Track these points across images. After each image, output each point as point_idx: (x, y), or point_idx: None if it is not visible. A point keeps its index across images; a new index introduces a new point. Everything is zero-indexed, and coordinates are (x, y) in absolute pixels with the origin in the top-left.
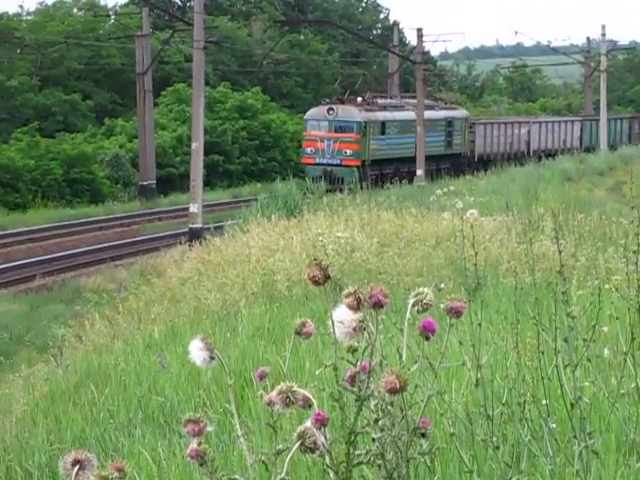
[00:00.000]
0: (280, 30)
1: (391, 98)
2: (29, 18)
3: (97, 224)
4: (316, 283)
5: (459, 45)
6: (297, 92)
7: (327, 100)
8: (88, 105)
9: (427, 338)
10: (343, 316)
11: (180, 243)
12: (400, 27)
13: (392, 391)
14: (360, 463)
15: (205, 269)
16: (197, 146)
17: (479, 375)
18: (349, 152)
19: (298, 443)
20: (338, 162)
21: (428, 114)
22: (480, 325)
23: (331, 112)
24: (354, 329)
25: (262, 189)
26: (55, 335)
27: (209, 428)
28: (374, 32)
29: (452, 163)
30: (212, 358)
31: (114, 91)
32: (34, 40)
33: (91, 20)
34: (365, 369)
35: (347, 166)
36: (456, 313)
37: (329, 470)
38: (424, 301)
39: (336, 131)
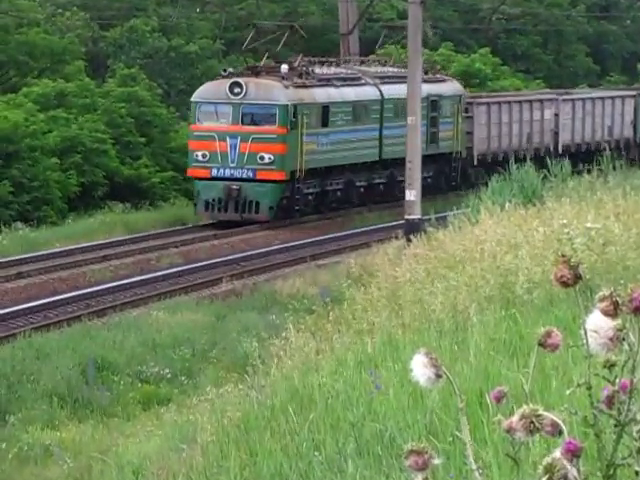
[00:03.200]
0: None
1: (337, 64)
2: None
3: None
4: (564, 284)
5: None
6: (535, 53)
7: (229, 71)
8: None
9: None
10: (597, 324)
11: (395, 237)
12: None
13: None
14: None
15: (427, 268)
16: (413, 121)
17: None
18: (268, 158)
19: (545, 478)
20: (250, 175)
21: (394, 89)
22: None
23: (237, 90)
24: (611, 339)
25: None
26: (246, 350)
27: (436, 461)
28: None
29: (437, 170)
30: (438, 376)
31: (313, 56)
32: None
33: None
34: (625, 388)
35: (265, 181)
36: None
37: None
38: None
39: (246, 122)
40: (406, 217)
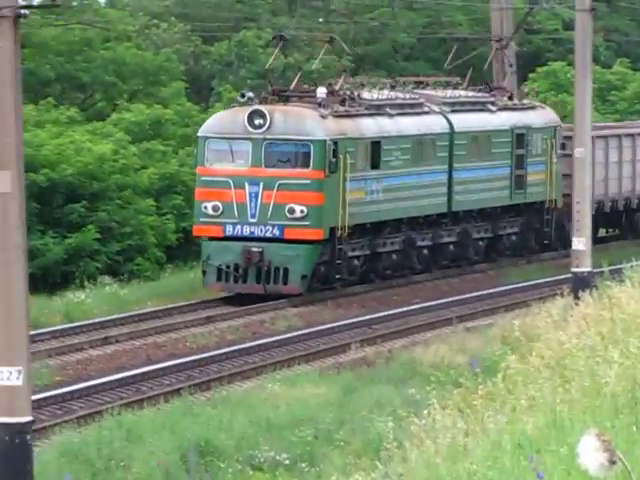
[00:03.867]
0: None
1: (392, 87)
2: None
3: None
4: None
5: None
6: None
7: (249, 95)
8: None
9: None
10: None
11: (560, 295)
12: None
13: None
14: None
15: (601, 332)
16: (583, 153)
17: None
18: (300, 210)
19: None
20: (276, 234)
21: (468, 120)
22: None
23: (259, 121)
24: None
25: None
26: (380, 431)
27: None
28: None
29: (525, 225)
30: (612, 462)
31: (458, 72)
32: (344, 4)
33: None
34: None
35: (296, 242)
36: None
37: None
38: None
39: (271, 164)
40: (573, 270)
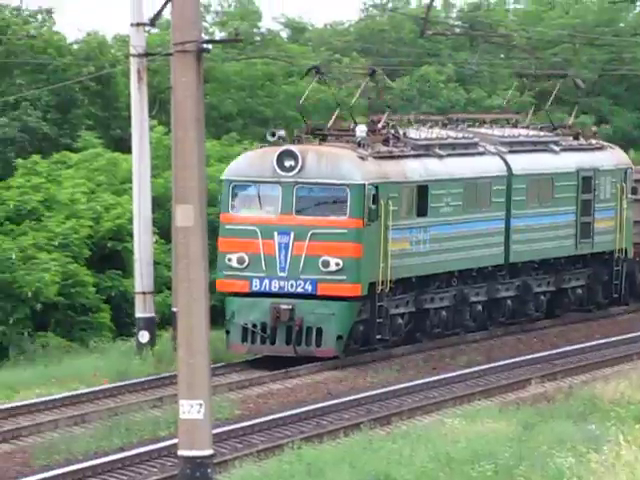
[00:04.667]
0: None
1: (444, 125)
2: (517, 7)
3: None
4: None
5: None
6: None
7: (279, 135)
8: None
9: None
10: None
11: None
12: None
13: None
14: None
15: None
16: None
17: None
18: (336, 263)
19: None
20: (308, 289)
21: (528, 161)
22: None
23: (290, 163)
24: None
25: None
26: (560, 467)
27: None
28: None
29: (592, 277)
30: None
31: None
32: (525, 38)
33: (608, 8)
34: None
35: (331, 298)
36: None
37: None
38: None
39: (303, 211)
40: None
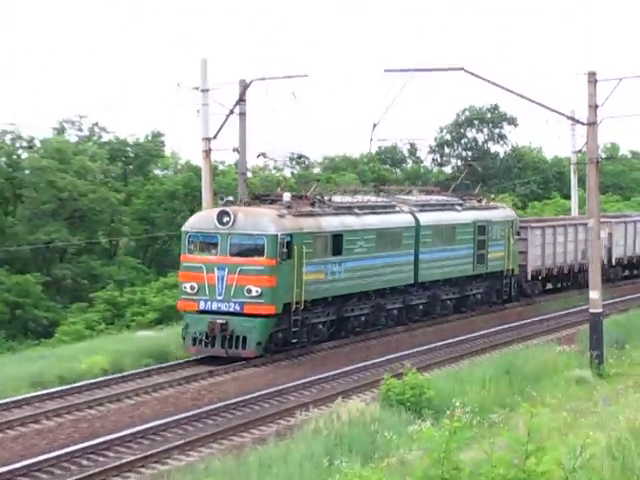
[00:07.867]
0: None
1: (377, 193)
2: None
3: None
4: None
5: None
6: None
7: (227, 199)
8: None
9: None
10: None
11: None
12: None
13: None
14: None
15: None
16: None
17: None
18: (256, 291)
19: None
20: (237, 309)
21: (433, 217)
22: None
23: (225, 219)
24: None
25: None
26: None
27: None
28: None
29: (487, 287)
30: None
31: None
32: None
33: None
34: None
35: (251, 315)
36: None
37: None
38: None
39: (234, 253)
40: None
